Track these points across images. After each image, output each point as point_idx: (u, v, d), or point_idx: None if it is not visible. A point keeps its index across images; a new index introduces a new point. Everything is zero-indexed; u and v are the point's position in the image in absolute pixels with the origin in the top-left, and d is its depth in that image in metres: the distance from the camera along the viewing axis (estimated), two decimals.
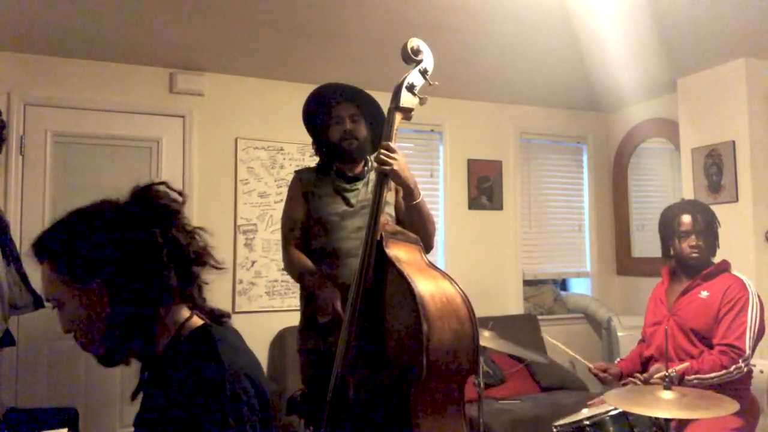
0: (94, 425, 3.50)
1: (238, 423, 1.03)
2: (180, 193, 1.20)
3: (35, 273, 3.36)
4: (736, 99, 3.74)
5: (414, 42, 2.02)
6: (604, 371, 2.63)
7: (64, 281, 1.12)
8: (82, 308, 1.13)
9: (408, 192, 2.10)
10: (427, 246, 2.22)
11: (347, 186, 2.32)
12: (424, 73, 2.03)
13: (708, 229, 2.58)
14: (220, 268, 1.21)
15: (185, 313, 1.17)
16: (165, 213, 1.16)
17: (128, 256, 1.11)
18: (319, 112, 2.35)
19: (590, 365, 2.65)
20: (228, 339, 1.15)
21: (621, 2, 2.90)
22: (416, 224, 2.17)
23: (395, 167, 2.00)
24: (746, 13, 3.04)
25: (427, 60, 2.04)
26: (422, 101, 2.03)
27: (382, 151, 2.01)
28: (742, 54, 3.66)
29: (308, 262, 2.28)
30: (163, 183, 1.20)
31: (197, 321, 1.17)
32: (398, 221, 2.33)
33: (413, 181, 2.10)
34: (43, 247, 1.14)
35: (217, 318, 1.21)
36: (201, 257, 1.18)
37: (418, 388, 1.77)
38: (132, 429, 1.19)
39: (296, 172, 2.45)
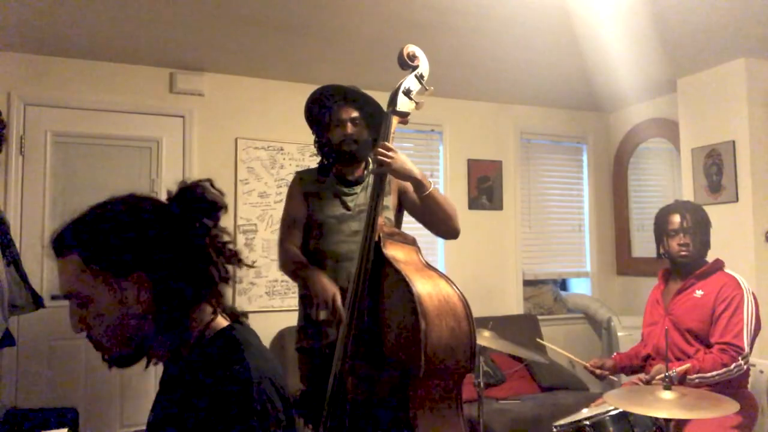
0: (94, 425, 3.50)
1: None
2: (220, 192, 1.19)
3: (35, 273, 3.34)
4: (736, 99, 3.74)
5: (410, 48, 2.06)
6: (600, 367, 2.68)
7: (97, 274, 1.05)
8: (115, 303, 1.06)
9: (416, 184, 2.10)
10: (453, 230, 2.22)
11: (346, 190, 2.32)
12: (420, 78, 2.07)
13: (697, 228, 2.59)
14: (252, 267, 1.20)
15: (209, 311, 1.15)
16: (214, 208, 1.15)
17: (176, 248, 1.08)
18: (321, 113, 2.34)
19: (586, 364, 2.69)
20: (253, 343, 1.13)
21: (621, 2, 2.90)
22: (436, 213, 2.16)
23: (393, 166, 2.01)
24: (746, 13, 3.04)
25: (423, 65, 2.08)
26: (418, 106, 2.08)
27: (379, 150, 2.02)
28: (742, 54, 3.66)
29: (304, 259, 2.27)
30: (208, 180, 1.19)
31: (222, 321, 1.15)
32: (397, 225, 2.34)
33: (419, 173, 2.08)
34: (72, 237, 1.06)
35: (237, 318, 1.19)
36: (236, 255, 1.17)
37: (416, 385, 1.78)
38: (132, 429, 1.19)
39: (297, 172, 2.47)
